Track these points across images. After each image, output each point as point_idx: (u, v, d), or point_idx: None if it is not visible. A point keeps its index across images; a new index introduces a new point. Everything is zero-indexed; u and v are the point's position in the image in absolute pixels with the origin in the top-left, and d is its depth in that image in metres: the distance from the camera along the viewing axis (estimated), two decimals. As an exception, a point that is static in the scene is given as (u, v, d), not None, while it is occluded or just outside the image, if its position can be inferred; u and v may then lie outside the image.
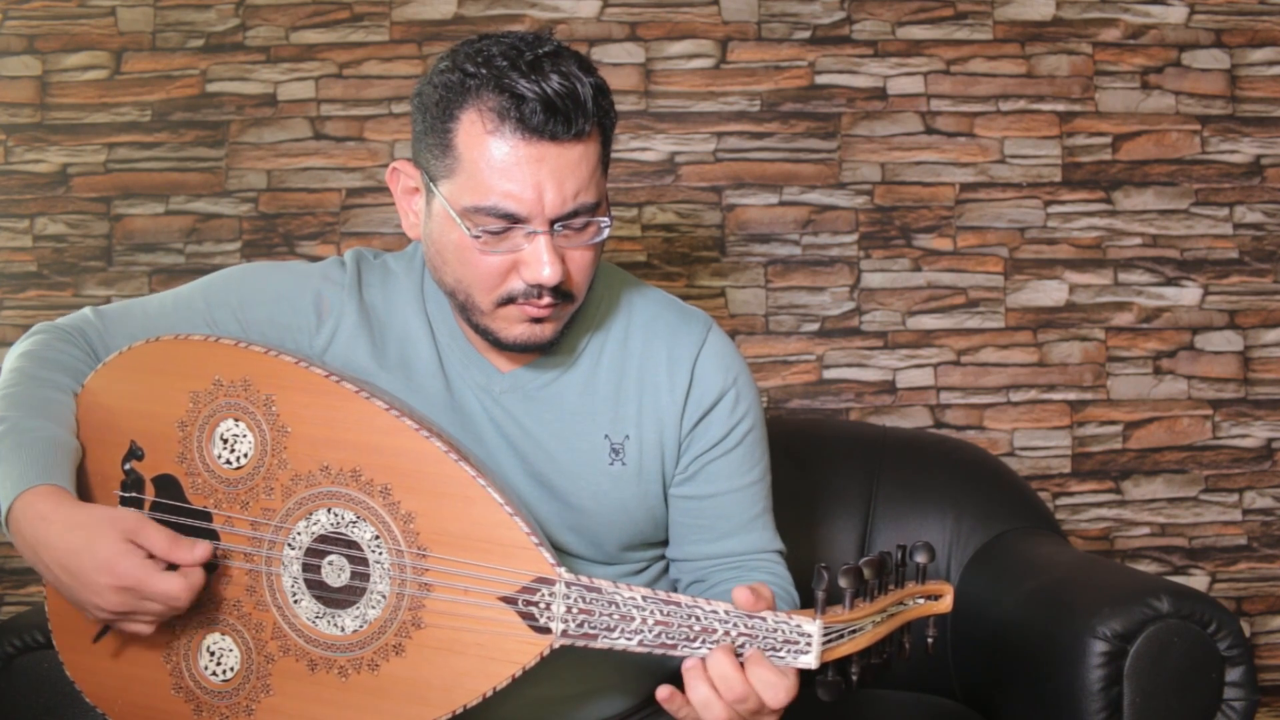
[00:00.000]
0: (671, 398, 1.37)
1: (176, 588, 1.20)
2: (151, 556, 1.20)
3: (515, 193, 1.21)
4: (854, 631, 1.11)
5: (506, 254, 1.24)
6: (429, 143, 1.26)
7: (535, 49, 1.22)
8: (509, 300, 1.27)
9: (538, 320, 1.28)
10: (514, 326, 1.29)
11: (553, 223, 1.23)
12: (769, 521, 1.45)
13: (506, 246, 1.24)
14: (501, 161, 1.20)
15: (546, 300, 1.26)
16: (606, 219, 1.28)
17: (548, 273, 1.22)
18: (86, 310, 1.42)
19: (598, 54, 2.33)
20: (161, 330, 1.36)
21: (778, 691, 1.10)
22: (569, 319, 1.33)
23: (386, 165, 2.30)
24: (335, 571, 1.24)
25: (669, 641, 1.14)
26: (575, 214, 1.24)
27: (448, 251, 1.27)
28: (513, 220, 1.22)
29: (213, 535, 1.27)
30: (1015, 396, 2.37)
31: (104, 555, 1.18)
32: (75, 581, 1.19)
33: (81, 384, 1.33)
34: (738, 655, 1.12)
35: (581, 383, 1.38)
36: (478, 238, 1.23)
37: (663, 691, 1.13)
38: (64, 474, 1.23)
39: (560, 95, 1.19)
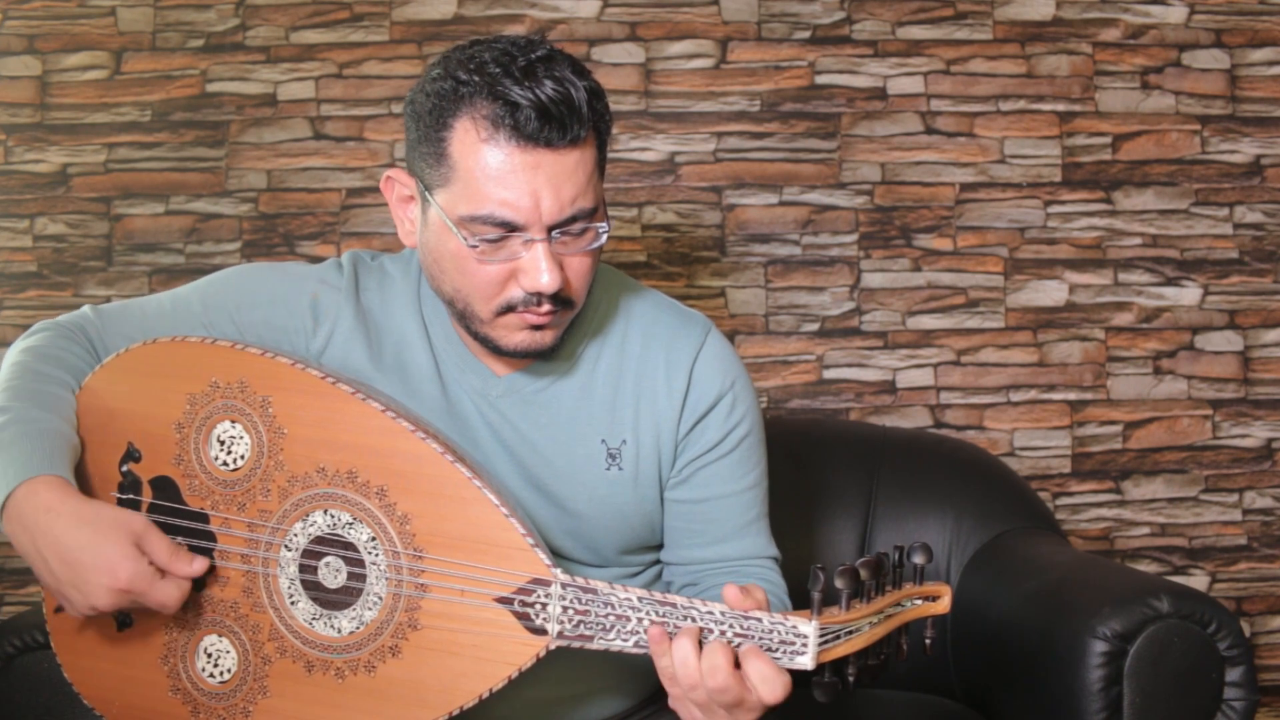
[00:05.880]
0: (669, 401, 1.37)
1: (173, 599, 1.22)
2: (151, 563, 1.21)
3: (511, 201, 1.20)
4: (851, 632, 1.11)
5: (504, 262, 1.23)
6: (423, 151, 1.25)
7: (528, 54, 1.21)
8: (508, 309, 1.26)
9: (538, 327, 1.28)
10: (514, 334, 1.28)
11: (550, 230, 1.22)
12: (764, 527, 1.44)
13: (504, 255, 1.23)
14: (497, 170, 1.20)
15: (546, 308, 1.25)
16: (604, 224, 1.27)
17: (546, 280, 1.22)
18: (86, 309, 1.41)
19: (597, 54, 2.33)
20: (158, 332, 1.36)
21: (774, 687, 1.09)
22: (567, 324, 1.33)
23: (387, 165, 2.31)
24: (332, 573, 1.24)
25: (665, 643, 1.14)
26: (573, 220, 1.23)
27: (445, 261, 1.26)
28: (510, 229, 1.21)
29: (210, 537, 1.27)
30: (1015, 396, 2.36)
31: (109, 556, 1.18)
32: (73, 576, 1.19)
33: (81, 383, 1.33)
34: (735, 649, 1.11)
35: (578, 387, 1.37)
36: (475, 247, 1.22)
37: (654, 630, 1.12)
38: (64, 464, 1.23)
39: (554, 101, 1.18)
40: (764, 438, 1.44)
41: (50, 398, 1.29)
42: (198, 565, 1.24)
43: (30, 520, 1.19)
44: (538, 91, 1.18)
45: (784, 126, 2.35)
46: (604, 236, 1.27)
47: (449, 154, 1.22)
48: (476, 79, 1.20)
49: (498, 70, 1.20)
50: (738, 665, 1.11)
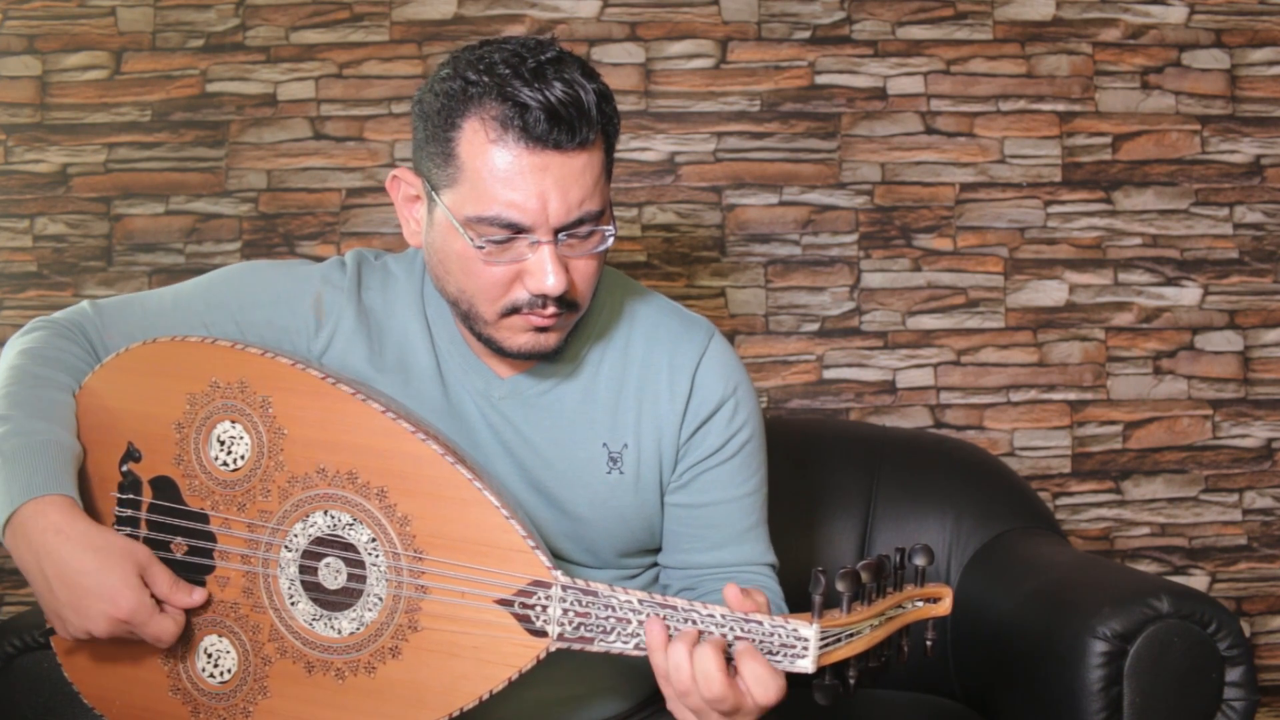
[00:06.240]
0: (671, 405, 1.37)
1: (169, 633, 1.23)
2: (151, 595, 1.22)
3: (519, 202, 1.19)
4: (851, 635, 1.11)
5: (510, 264, 1.23)
6: (430, 151, 1.24)
7: (538, 55, 1.20)
8: (513, 310, 1.25)
9: (542, 330, 1.27)
10: (518, 336, 1.28)
11: (557, 232, 1.21)
12: (763, 534, 1.43)
13: (510, 256, 1.23)
14: (504, 171, 1.19)
15: (551, 310, 1.25)
16: (611, 227, 1.27)
17: (552, 282, 1.21)
18: (85, 304, 1.40)
19: (598, 54, 2.33)
20: (159, 330, 1.35)
21: (769, 688, 1.09)
22: (572, 327, 1.32)
23: (387, 165, 2.31)
24: (332, 574, 1.24)
25: (665, 644, 1.13)
26: (580, 223, 1.22)
27: (450, 261, 1.26)
28: (516, 230, 1.21)
29: (210, 537, 1.27)
30: (1015, 396, 2.36)
31: (113, 585, 1.19)
32: (74, 599, 1.19)
33: (81, 383, 1.33)
34: (729, 649, 1.11)
35: (581, 390, 1.37)
36: (481, 248, 1.22)
37: (654, 623, 1.11)
38: (71, 482, 1.23)
39: (564, 103, 1.18)
40: (765, 444, 1.43)
41: (50, 404, 1.29)
42: (196, 597, 1.25)
43: (37, 539, 1.19)
44: (547, 93, 1.18)
45: (784, 126, 2.34)
46: (610, 240, 1.27)
47: (457, 154, 1.22)
48: (486, 79, 1.20)
49: (507, 71, 1.19)
50: (730, 660, 1.10)
